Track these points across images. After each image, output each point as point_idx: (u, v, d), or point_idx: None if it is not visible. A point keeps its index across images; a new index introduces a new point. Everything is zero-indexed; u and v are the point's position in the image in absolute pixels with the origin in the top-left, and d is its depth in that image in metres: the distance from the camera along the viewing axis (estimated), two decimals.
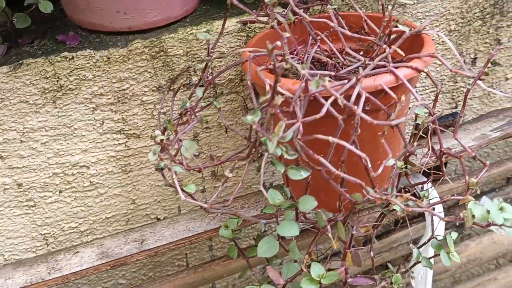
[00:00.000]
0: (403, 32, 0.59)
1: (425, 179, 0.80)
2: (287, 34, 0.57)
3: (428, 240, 0.73)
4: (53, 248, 0.85)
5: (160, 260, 0.94)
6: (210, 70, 0.74)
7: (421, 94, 0.92)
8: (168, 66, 0.74)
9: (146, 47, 0.71)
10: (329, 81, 0.62)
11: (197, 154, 0.84)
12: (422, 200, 0.69)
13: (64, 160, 0.77)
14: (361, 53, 0.74)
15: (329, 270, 0.63)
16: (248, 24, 0.74)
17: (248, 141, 0.65)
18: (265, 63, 0.65)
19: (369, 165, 0.54)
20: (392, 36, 0.63)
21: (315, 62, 0.72)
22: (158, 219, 0.89)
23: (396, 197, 0.58)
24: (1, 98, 0.70)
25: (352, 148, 0.50)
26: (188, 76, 0.76)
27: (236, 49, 0.76)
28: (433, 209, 0.56)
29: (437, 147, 0.65)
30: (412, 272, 0.81)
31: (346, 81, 0.55)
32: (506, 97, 0.57)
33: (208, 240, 0.93)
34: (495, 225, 0.51)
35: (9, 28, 0.72)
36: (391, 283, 0.72)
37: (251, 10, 0.76)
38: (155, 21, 0.71)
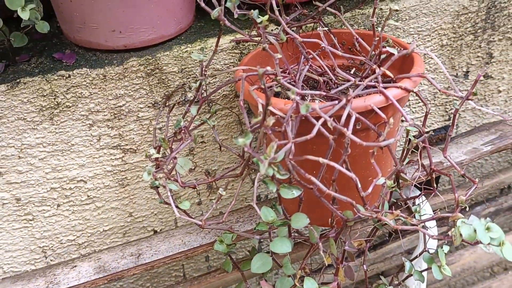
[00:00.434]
0: (392, 54, 0.60)
1: (418, 192, 0.81)
2: (279, 56, 0.58)
3: (420, 254, 0.74)
4: (51, 260, 0.86)
5: (158, 271, 0.95)
6: (205, 87, 0.76)
7: (414, 107, 0.93)
8: (164, 83, 0.75)
9: (141, 65, 0.73)
10: (320, 101, 0.63)
11: (193, 167, 0.85)
12: (414, 215, 0.71)
13: (61, 175, 0.78)
14: (353, 69, 0.75)
15: (322, 283, 0.65)
16: (241, 43, 0.75)
17: (241, 158, 0.67)
18: (258, 81, 0.66)
19: (359, 185, 0.55)
20: (383, 56, 0.64)
21: (308, 79, 0.73)
22: (155, 232, 0.90)
23: (386, 215, 0.60)
24: None
25: (343, 169, 0.51)
26: (183, 92, 0.77)
27: (230, 66, 0.77)
28: (423, 227, 0.58)
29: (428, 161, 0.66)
30: (406, 285, 0.82)
31: (336, 101, 0.56)
32: (495, 114, 0.58)
33: (204, 251, 0.94)
34: (483, 243, 0.52)
35: (6, 46, 0.73)
36: None
37: (245, 28, 0.78)
38: (150, 39, 0.72)
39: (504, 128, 0.86)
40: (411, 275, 0.73)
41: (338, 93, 0.64)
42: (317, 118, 0.54)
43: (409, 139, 0.68)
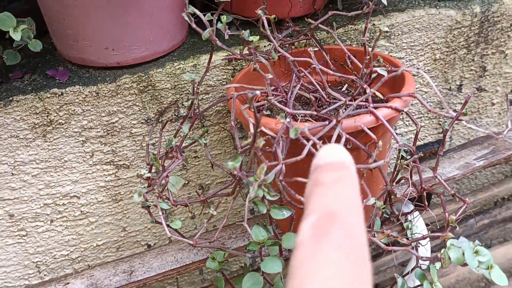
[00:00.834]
0: (382, 75, 0.60)
1: (411, 206, 0.81)
2: (270, 76, 0.59)
3: (412, 270, 0.74)
4: (45, 275, 0.86)
5: (151, 284, 0.95)
6: (197, 104, 0.76)
7: (408, 121, 0.94)
8: (156, 100, 0.75)
9: (134, 82, 0.73)
10: (310, 121, 0.63)
11: (187, 182, 0.85)
12: (406, 233, 0.71)
13: (54, 191, 0.79)
14: (346, 85, 0.76)
15: None
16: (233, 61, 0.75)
17: (233, 178, 0.67)
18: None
19: None
20: (374, 75, 0.64)
21: (300, 96, 0.73)
22: (149, 246, 0.90)
23: (377, 234, 0.60)
24: None
25: None
26: (176, 108, 0.77)
27: (223, 82, 0.77)
28: (413, 248, 0.58)
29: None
30: None
31: (327, 122, 0.57)
32: (486, 132, 0.58)
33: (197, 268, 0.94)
34: (471, 267, 0.53)
35: None
36: None
37: (238, 44, 0.78)
38: (143, 56, 0.73)
39: (497, 143, 0.86)
40: None
41: (330, 112, 0.64)
42: (308, 139, 0.54)
43: (401, 155, 0.68)
